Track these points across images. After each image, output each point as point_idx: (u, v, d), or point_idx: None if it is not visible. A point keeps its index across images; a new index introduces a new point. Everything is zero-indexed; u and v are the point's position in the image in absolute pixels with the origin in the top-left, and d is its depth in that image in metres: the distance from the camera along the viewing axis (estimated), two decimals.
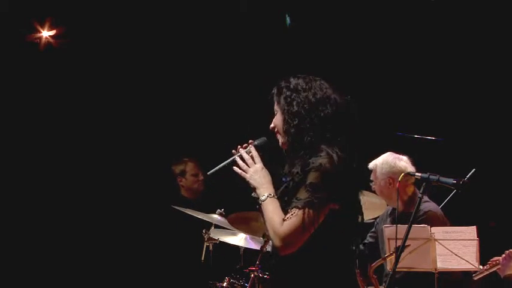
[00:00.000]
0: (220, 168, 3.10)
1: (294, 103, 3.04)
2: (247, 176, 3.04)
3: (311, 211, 2.86)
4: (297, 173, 2.94)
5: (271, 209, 2.94)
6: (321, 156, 2.92)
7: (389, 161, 5.10)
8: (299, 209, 2.86)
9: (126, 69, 7.09)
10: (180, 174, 6.42)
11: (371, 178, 5.11)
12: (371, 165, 5.12)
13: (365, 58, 6.77)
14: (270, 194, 2.97)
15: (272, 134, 3.16)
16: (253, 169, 3.04)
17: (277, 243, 2.88)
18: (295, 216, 2.86)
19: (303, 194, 2.88)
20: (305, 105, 3.03)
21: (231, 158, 3.10)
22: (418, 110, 6.57)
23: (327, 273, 2.95)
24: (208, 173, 3.12)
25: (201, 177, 6.38)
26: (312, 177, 2.89)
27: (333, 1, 6.92)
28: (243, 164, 3.06)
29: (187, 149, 6.72)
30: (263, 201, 2.96)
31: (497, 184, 6.28)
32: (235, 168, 3.06)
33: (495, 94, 6.52)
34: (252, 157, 3.06)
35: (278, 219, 2.89)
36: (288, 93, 3.08)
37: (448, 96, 6.61)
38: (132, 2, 6.97)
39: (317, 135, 2.99)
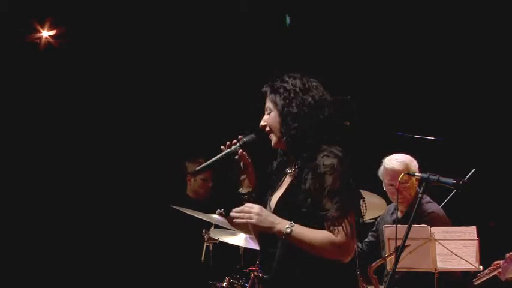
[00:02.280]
0: (208, 165, 3.10)
1: (294, 104, 3.00)
2: (255, 222, 2.94)
3: (349, 213, 2.89)
4: (309, 178, 2.91)
5: (306, 232, 2.89)
6: (327, 156, 2.92)
7: (407, 162, 5.06)
8: (340, 217, 2.86)
9: (127, 69, 7.09)
10: (191, 173, 6.39)
11: (386, 179, 5.08)
12: (388, 166, 5.07)
13: (365, 58, 6.77)
14: (292, 224, 2.90)
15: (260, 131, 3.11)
16: (255, 213, 2.95)
17: (343, 251, 2.88)
18: (343, 224, 2.86)
19: (328, 204, 2.87)
20: (304, 107, 3.00)
21: (220, 154, 3.09)
22: (418, 110, 6.57)
23: (336, 272, 2.96)
24: (197, 169, 3.13)
25: (209, 184, 6.36)
26: (329, 181, 2.88)
27: (333, 1, 6.92)
28: (242, 214, 2.96)
29: (189, 148, 6.71)
30: (289, 233, 2.89)
31: (497, 184, 6.28)
32: (236, 220, 2.97)
33: (495, 94, 6.51)
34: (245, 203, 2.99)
35: (326, 233, 2.88)
36: (285, 93, 3.02)
37: (448, 96, 6.61)
38: (132, 2, 6.97)
39: (317, 136, 2.98)
